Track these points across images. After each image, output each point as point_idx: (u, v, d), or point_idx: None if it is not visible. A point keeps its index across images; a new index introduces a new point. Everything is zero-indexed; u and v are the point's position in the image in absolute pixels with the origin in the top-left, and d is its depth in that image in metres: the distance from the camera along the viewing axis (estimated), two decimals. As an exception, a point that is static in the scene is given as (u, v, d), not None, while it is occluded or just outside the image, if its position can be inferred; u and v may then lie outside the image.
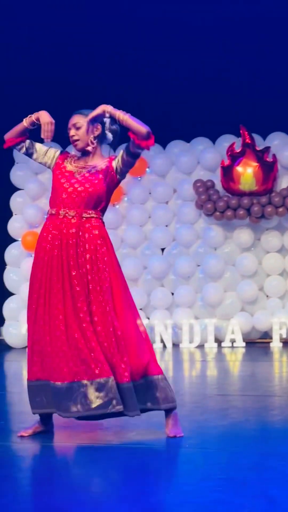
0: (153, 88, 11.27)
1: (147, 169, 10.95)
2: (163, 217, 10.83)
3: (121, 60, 11.30)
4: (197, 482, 3.65)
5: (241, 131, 10.41)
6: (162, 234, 10.78)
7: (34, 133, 4.81)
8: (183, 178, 10.79)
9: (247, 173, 10.36)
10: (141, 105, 10.69)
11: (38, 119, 4.68)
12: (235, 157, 10.38)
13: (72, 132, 4.70)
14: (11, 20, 11.12)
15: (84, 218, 4.62)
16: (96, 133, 4.69)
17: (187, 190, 10.68)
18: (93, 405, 4.42)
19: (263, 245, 10.66)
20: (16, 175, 11.00)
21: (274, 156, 10.44)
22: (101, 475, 3.88)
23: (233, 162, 10.38)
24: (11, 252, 10.93)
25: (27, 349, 4.70)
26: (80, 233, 4.59)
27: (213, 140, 10.85)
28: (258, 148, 10.42)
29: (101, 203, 4.67)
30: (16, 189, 11.07)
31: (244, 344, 10.24)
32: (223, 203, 10.40)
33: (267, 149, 10.44)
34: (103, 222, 4.72)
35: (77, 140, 4.69)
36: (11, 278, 10.86)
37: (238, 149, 10.42)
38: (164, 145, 10.97)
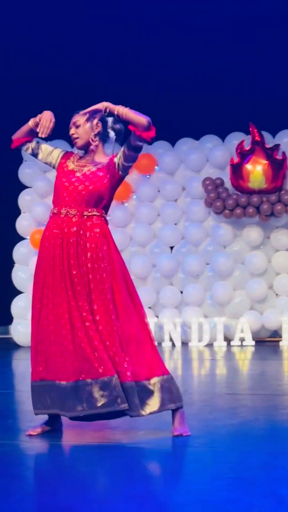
0: (163, 85, 11.27)
1: (156, 167, 10.93)
2: (172, 215, 10.80)
3: (129, 58, 11.31)
4: (206, 481, 3.63)
5: (250, 129, 10.37)
6: (171, 232, 10.76)
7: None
8: (192, 176, 10.77)
9: (256, 171, 10.32)
10: (150, 102, 10.67)
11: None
12: (244, 155, 10.35)
13: (72, 130, 4.72)
14: (12, 20, 11.13)
15: (86, 216, 4.61)
16: (96, 130, 4.68)
17: (196, 188, 10.66)
18: (98, 404, 4.41)
19: (273, 243, 10.62)
20: (25, 173, 10.99)
21: (283, 154, 10.41)
22: (109, 474, 3.87)
23: (243, 160, 10.35)
24: (20, 250, 10.92)
25: (30, 349, 4.68)
26: (81, 232, 4.58)
27: (222, 138, 10.82)
28: (267, 146, 10.38)
29: (102, 200, 4.65)
30: (24, 187, 11.06)
31: (253, 342, 10.20)
32: (232, 201, 10.37)
33: (276, 146, 10.40)
34: (106, 220, 4.70)
35: (77, 138, 4.70)
36: (19, 277, 10.85)
37: (247, 146, 10.38)
38: (173, 143, 10.95)
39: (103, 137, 4.71)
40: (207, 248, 10.67)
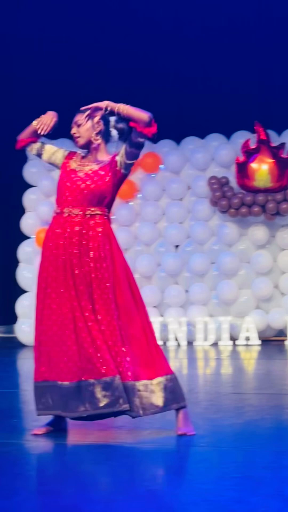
0: (168, 84, 11.26)
1: (161, 166, 10.90)
2: (177, 214, 10.77)
3: (134, 57, 11.28)
4: (211, 481, 3.63)
5: (256, 127, 10.34)
6: (176, 231, 10.73)
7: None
8: (197, 174, 10.74)
9: (262, 169, 10.29)
10: (155, 101, 10.65)
11: None
12: (250, 154, 10.31)
13: (73, 129, 4.72)
14: (17, 21, 11.14)
15: (88, 216, 4.60)
16: (98, 129, 4.68)
17: (201, 187, 10.63)
18: (101, 404, 4.42)
19: (278, 242, 10.59)
20: (29, 172, 10.97)
21: (289, 152, 10.37)
22: (114, 474, 3.86)
23: (248, 158, 10.31)
24: (24, 250, 10.90)
25: (33, 349, 4.67)
26: (84, 231, 4.58)
27: (228, 137, 10.78)
28: (273, 145, 10.34)
29: (105, 199, 4.63)
30: (29, 186, 11.04)
31: (259, 342, 10.17)
32: (237, 200, 10.34)
33: (282, 145, 10.37)
34: (109, 219, 4.68)
35: (78, 137, 4.71)
36: (24, 276, 10.83)
37: (253, 145, 10.35)
38: (178, 142, 10.92)
39: (105, 136, 4.70)
40: (213, 247, 10.64)
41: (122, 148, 4.63)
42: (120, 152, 4.64)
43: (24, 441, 4.56)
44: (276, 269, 10.55)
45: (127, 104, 4.58)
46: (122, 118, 4.57)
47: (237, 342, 10.23)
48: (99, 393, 4.41)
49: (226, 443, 4.41)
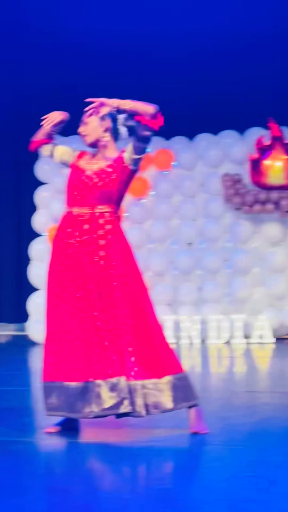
0: (181, 80, 11.22)
1: (174, 163, 10.86)
2: (190, 212, 10.73)
3: (147, 52, 11.26)
4: (225, 480, 3.60)
5: (269, 124, 10.28)
6: (189, 229, 10.69)
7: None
8: (210, 171, 10.68)
9: (276, 166, 10.24)
10: (168, 97, 10.63)
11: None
12: (263, 150, 10.26)
13: (81, 128, 4.73)
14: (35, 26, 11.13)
15: (97, 214, 4.59)
16: (105, 126, 4.67)
17: (214, 184, 10.58)
18: (106, 405, 4.42)
19: (292, 240, 10.53)
20: (41, 169, 10.94)
21: (303, 149, 10.31)
22: (127, 473, 3.85)
23: (262, 155, 10.26)
24: (36, 247, 10.88)
25: (43, 348, 4.66)
26: (93, 230, 4.57)
27: (241, 133, 10.72)
28: (287, 141, 10.28)
29: (113, 196, 4.61)
30: (41, 183, 11.02)
31: (272, 340, 10.12)
32: (251, 197, 10.29)
33: (296, 142, 10.31)
34: (118, 216, 4.67)
35: (85, 135, 4.71)
36: (35, 273, 10.79)
37: (266, 142, 10.29)
38: (191, 138, 10.87)
39: (113, 133, 4.69)
40: (226, 244, 10.60)
41: (130, 144, 4.62)
42: (127, 148, 4.62)
43: (36, 439, 4.56)
44: (290, 267, 10.49)
45: (144, 101, 4.56)
46: (131, 115, 4.55)
47: (250, 340, 10.18)
48: (105, 394, 4.42)
49: (239, 442, 4.38)
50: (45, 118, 4.77)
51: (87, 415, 4.46)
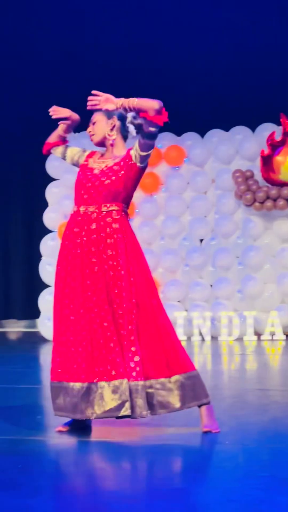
0: (192, 76, 11.19)
1: (185, 159, 10.82)
2: (202, 208, 10.69)
3: (157, 49, 11.23)
4: (237, 479, 3.57)
5: (281, 120, 10.22)
6: (201, 225, 10.65)
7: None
8: (221, 168, 10.64)
9: (287, 162, 10.18)
10: (180, 94, 10.61)
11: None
12: (275, 147, 10.20)
13: (89, 128, 4.75)
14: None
15: (104, 212, 4.57)
16: (111, 125, 4.67)
17: (226, 180, 10.53)
18: (107, 407, 4.40)
19: (304, 236, 10.48)
20: (52, 166, 10.93)
21: (315, 145, 10.25)
22: (139, 472, 3.83)
23: (273, 151, 10.20)
24: (47, 243, 10.87)
25: (52, 349, 4.64)
26: (101, 228, 4.54)
27: (253, 129, 10.68)
28: (298, 137, 10.23)
29: (120, 194, 4.58)
30: (52, 179, 11.00)
31: (284, 337, 10.08)
32: (262, 193, 10.24)
33: (308, 138, 10.25)
34: (126, 214, 4.64)
35: (93, 135, 4.73)
36: (46, 270, 10.78)
37: (278, 138, 10.23)
38: (202, 134, 10.83)
39: (122, 131, 4.68)
40: (237, 241, 10.56)
41: (136, 141, 4.59)
42: (134, 145, 4.60)
43: (48, 438, 4.54)
44: (301, 263, 10.44)
45: (155, 99, 4.53)
46: (137, 112, 4.52)
47: (262, 337, 10.14)
48: (107, 396, 4.40)
49: (251, 441, 4.35)
50: (67, 128, 4.85)
51: (89, 417, 4.44)
